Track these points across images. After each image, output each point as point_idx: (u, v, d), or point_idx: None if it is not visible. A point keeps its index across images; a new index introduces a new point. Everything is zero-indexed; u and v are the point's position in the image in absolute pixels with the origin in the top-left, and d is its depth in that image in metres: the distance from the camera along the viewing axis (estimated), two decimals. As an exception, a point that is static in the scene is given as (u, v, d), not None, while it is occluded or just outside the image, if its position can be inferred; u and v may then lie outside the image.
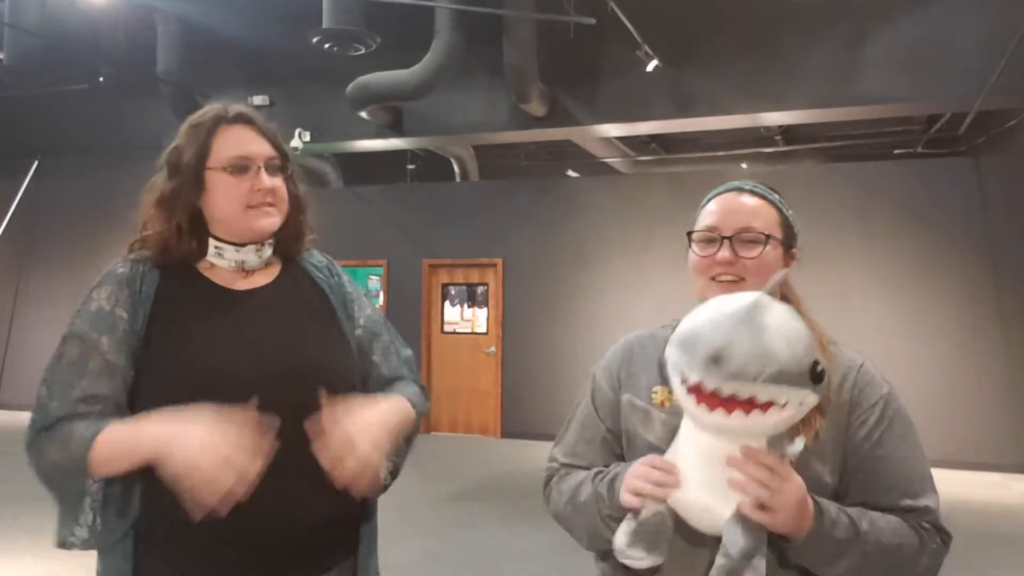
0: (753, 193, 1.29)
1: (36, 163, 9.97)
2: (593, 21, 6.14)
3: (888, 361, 7.23)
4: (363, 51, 6.29)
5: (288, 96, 8.34)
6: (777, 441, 1.06)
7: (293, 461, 1.25)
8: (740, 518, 1.04)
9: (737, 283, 1.23)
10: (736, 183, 1.32)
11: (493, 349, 8.68)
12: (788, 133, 9.71)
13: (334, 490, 1.27)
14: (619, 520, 1.14)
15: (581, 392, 1.42)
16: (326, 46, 6.21)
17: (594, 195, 8.56)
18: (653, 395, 1.26)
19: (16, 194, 9.91)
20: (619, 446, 1.30)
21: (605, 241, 8.29)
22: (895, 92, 6.58)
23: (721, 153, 10.31)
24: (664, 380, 1.24)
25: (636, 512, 1.11)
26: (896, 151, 9.84)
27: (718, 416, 0.99)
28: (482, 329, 8.84)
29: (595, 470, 1.28)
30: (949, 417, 7.09)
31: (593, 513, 1.23)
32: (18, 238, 9.95)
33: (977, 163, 7.48)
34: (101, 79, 8.30)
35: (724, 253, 1.24)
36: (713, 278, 1.25)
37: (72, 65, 8.14)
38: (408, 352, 1.56)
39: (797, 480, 1.07)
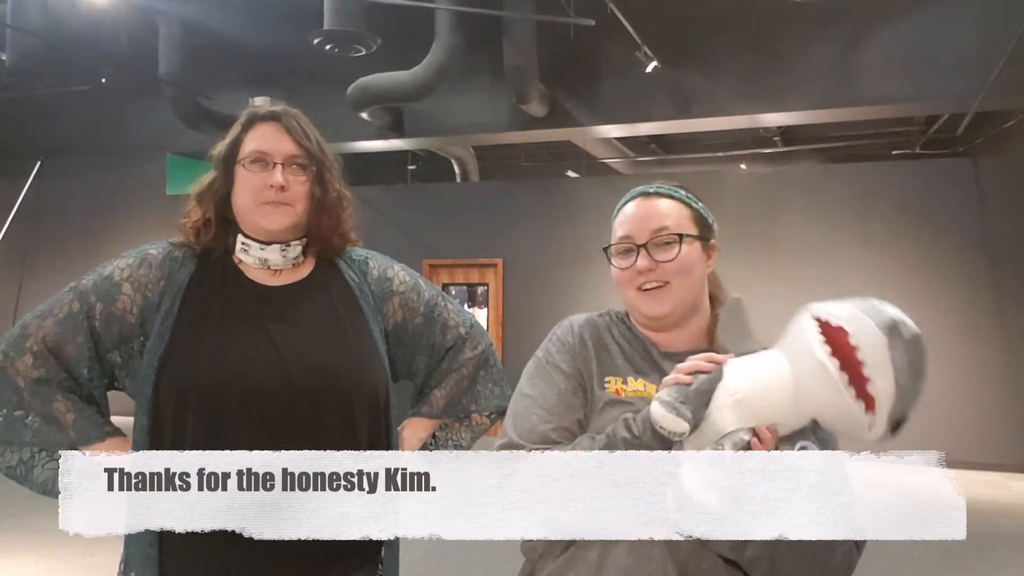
0: (659, 195, 1.29)
1: (38, 164, 9.99)
2: (593, 22, 6.15)
3: (886, 361, 7.36)
4: (364, 52, 6.31)
5: (289, 97, 8.05)
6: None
7: None
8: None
9: (663, 287, 1.22)
10: (641, 188, 1.32)
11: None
12: (787, 134, 9.72)
13: None
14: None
15: (529, 375, 1.33)
16: (327, 47, 6.23)
17: (594, 195, 8.56)
18: (606, 384, 1.24)
19: (19, 195, 9.92)
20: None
21: (605, 241, 8.24)
22: (894, 92, 6.59)
23: (720, 154, 10.33)
24: (616, 370, 1.23)
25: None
26: (895, 152, 9.85)
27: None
28: (482, 329, 8.86)
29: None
30: (948, 417, 7.09)
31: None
32: (21, 239, 9.97)
33: (975, 163, 7.49)
34: (103, 80, 8.32)
35: (643, 261, 1.23)
36: (639, 288, 1.24)
37: (74, 66, 8.15)
38: (467, 317, 1.59)
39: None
